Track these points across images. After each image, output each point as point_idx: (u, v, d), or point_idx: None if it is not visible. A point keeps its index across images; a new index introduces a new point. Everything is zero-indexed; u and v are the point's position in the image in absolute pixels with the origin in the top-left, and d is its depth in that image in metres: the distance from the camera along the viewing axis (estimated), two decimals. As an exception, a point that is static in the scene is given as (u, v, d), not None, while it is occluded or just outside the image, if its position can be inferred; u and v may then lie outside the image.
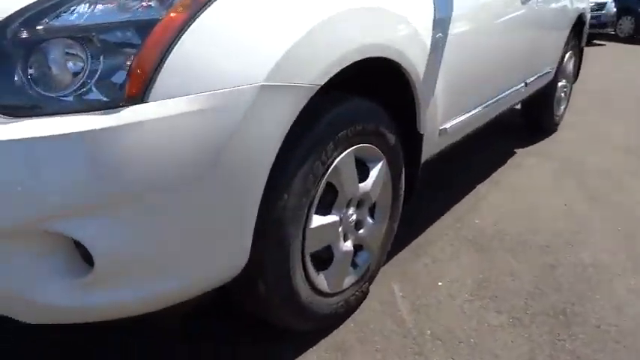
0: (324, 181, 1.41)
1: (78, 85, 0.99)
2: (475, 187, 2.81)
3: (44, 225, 0.99)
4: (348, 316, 1.69)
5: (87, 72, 1.00)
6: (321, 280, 1.52)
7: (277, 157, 1.23)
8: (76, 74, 1.00)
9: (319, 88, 1.25)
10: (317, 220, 1.43)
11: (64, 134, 0.95)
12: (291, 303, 1.43)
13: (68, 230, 1.00)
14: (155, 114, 1.01)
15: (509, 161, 3.27)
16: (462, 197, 2.66)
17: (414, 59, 1.63)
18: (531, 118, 3.87)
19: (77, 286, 1.06)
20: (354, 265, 1.68)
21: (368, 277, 1.75)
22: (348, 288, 1.65)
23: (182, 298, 1.20)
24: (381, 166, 1.64)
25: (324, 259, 1.54)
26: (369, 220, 1.67)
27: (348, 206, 1.56)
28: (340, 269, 1.58)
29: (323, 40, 1.24)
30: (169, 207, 1.06)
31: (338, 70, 1.29)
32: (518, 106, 3.51)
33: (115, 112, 0.98)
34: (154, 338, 1.55)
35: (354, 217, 1.59)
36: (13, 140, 0.94)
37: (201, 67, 1.06)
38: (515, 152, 3.44)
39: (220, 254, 1.18)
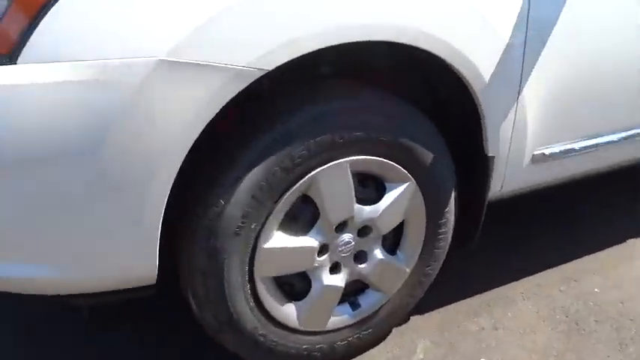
0: (291, 193, 1.12)
1: None
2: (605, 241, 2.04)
3: None
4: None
5: None
6: (285, 311, 1.24)
7: (204, 155, 1.01)
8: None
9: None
10: (278, 240, 1.15)
11: None
12: (233, 329, 1.18)
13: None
14: (26, 78, 0.87)
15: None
16: (580, 251, 1.96)
17: (478, 58, 1.18)
18: None
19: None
20: (354, 305, 1.35)
21: (378, 325, 1.39)
22: (336, 330, 1.33)
23: (69, 290, 1.07)
24: (404, 191, 1.25)
25: (298, 289, 1.26)
26: (379, 254, 1.30)
27: (340, 231, 1.23)
28: (320, 305, 1.27)
29: (265, 16, 0.95)
30: (43, 186, 0.93)
31: (299, 55, 0.98)
32: None
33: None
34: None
35: (351, 245, 1.25)
36: None
37: (89, 31, 0.88)
38: None
39: (111, 251, 1.00)
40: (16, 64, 0.87)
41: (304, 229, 1.19)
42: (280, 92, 1.15)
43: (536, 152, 1.44)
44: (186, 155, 0.98)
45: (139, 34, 0.89)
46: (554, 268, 1.81)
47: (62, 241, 0.97)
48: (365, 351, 1.41)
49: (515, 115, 1.32)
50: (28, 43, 0.87)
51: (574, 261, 1.85)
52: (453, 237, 1.47)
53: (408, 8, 1.07)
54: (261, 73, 0.96)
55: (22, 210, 0.94)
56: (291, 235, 1.18)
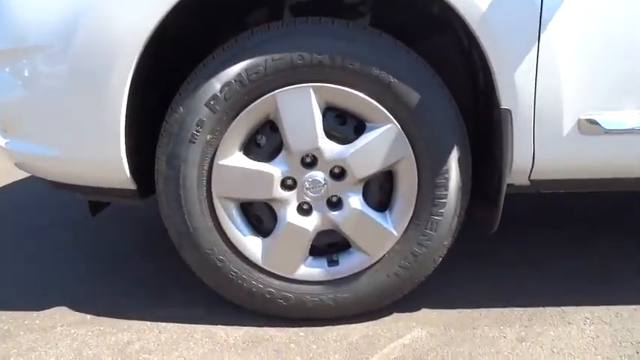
0: (250, 111, 1.13)
1: None
2: None
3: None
4: (295, 321, 1.27)
5: None
6: (247, 242, 1.21)
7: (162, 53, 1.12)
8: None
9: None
10: (235, 159, 1.17)
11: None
12: (190, 245, 1.21)
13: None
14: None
15: None
16: None
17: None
18: None
19: (-1, 130, 1.30)
20: (332, 262, 1.25)
21: (359, 292, 1.23)
22: (306, 282, 1.24)
23: (65, 177, 1.26)
24: (383, 133, 1.14)
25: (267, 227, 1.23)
26: (356, 203, 1.19)
27: (309, 167, 1.17)
28: (284, 244, 1.21)
29: None
30: (44, 68, 1.15)
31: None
32: None
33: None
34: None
35: (322, 186, 1.18)
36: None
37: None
38: None
39: (85, 137, 1.16)
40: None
41: (269, 157, 1.19)
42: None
43: (583, 116, 1.15)
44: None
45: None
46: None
47: (54, 124, 1.18)
48: (339, 316, 1.26)
49: (538, 57, 1.10)
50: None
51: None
52: (472, 216, 1.26)
53: None
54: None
55: (26, 95, 1.19)
56: (252, 159, 1.19)
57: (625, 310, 1.30)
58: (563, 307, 1.33)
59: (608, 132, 1.15)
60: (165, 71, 1.26)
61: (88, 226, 1.90)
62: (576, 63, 1.11)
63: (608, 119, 1.15)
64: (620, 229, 1.79)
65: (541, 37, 1.09)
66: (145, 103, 1.21)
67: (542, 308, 1.33)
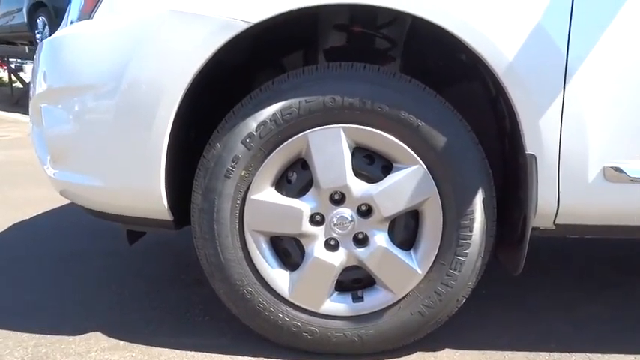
0: (283, 149, 1.19)
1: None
2: None
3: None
4: (319, 356, 1.29)
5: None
6: (275, 275, 1.25)
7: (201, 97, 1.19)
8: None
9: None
10: (267, 194, 1.22)
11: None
12: (221, 275, 1.25)
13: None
14: (95, 27, 1.24)
15: None
16: None
17: (493, 31, 1.10)
18: None
19: (48, 161, 1.40)
20: (357, 298, 1.27)
21: (383, 328, 1.25)
22: (331, 317, 1.26)
23: (107, 207, 1.33)
24: (410, 174, 1.19)
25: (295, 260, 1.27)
26: (382, 240, 1.22)
27: (337, 204, 1.22)
28: (311, 279, 1.24)
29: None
30: (93, 105, 1.25)
31: (277, 13, 1.10)
32: None
33: (71, 26, 1.28)
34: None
35: (349, 223, 1.22)
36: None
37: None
38: None
39: (133, 170, 1.23)
40: (92, 19, 1.26)
41: (299, 193, 1.24)
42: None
43: (609, 164, 1.17)
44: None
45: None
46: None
47: (100, 156, 1.26)
48: (363, 353, 1.28)
49: (563, 105, 1.13)
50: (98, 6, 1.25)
51: None
52: (495, 256, 1.27)
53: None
54: (247, 25, 1.13)
55: (75, 130, 1.28)
56: (283, 194, 1.24)
57: (654, 359, 1.29)
58: (589, 354, 1.32)
59: (633, 180, 1.16)
60: (202, 110, 1.34)
61: (122, 254, 1.97)
62: (602, 111, 1.14)
63: (634, 168, 1.16)
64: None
65: (566, 86, 1.13)
66: (183, 139, 1.28)
67: (567, 354, 1.32)
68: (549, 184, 1.18)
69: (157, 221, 1.31)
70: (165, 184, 1.23)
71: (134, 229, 1.42)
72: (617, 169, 1.17)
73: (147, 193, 1.24)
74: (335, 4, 1.14)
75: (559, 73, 1.12)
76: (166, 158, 1.21)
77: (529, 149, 1.16)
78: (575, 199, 1.19)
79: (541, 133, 1.15)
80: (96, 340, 1.39)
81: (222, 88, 1.38)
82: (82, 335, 1.41)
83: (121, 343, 1.37)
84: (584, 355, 1.31)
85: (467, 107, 1.24)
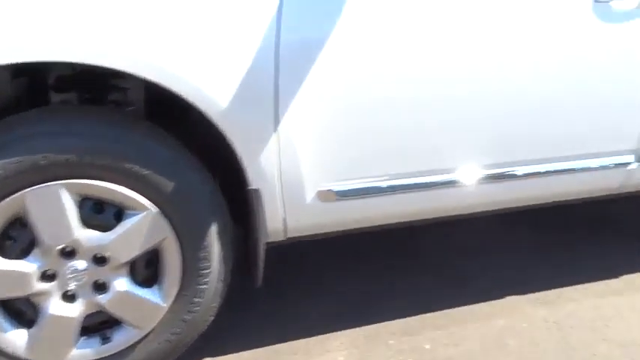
0: (-4, 212, 1.10)
1: None
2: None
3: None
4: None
5: None
6: (9, 337, 1.19)
7: None
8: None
9: None
10: (-14, 261, 1.13)
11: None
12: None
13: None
14: None
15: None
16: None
17: (204, 82, 1.13)
18: None
19: None
20: (105, 339, 1.28)
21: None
22: (77, 365, 1.26)
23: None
24: (141, 220, 1.20)
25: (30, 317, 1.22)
26: (123, 285, 1.24)
27: (69, 257, 1.18)
28: (51, 335, 1.21)
29: None
30: None
31: None
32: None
33: None
34: None
35: (84, 273, 1.20)
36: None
37: None
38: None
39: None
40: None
41: (24, 252, 1.17)
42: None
43: (321, 188, 1.35)
44: None
45: None
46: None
47: None
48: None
49: (279, 144, 1.25)
50: None
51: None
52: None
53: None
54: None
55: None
56: (6, 257, 1.15)
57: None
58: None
59: (338, 198, 1.37)
60: None
61: None
62: (311, 145, 1.29)
63: (339, 188, 1.37)
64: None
65: (279, 128, 1.24)
66: None
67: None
68: (275, 210, 1.32)
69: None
70: None
71: None
72: (329, 191, 1.36)
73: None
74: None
75: (271, 119, 1.22)
76: None
77: (253, 185, 1.26)
78: (298, 219, 1.36)
79: (262, 169, 1.26)
80: None
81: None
82: None
83: None
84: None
85: (197, 147, 1.27)
